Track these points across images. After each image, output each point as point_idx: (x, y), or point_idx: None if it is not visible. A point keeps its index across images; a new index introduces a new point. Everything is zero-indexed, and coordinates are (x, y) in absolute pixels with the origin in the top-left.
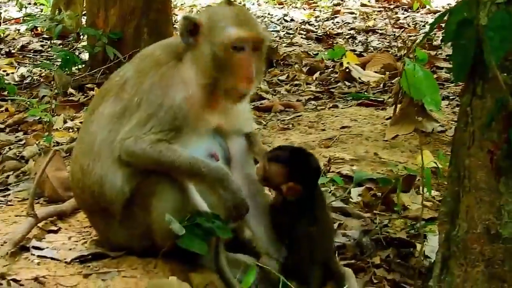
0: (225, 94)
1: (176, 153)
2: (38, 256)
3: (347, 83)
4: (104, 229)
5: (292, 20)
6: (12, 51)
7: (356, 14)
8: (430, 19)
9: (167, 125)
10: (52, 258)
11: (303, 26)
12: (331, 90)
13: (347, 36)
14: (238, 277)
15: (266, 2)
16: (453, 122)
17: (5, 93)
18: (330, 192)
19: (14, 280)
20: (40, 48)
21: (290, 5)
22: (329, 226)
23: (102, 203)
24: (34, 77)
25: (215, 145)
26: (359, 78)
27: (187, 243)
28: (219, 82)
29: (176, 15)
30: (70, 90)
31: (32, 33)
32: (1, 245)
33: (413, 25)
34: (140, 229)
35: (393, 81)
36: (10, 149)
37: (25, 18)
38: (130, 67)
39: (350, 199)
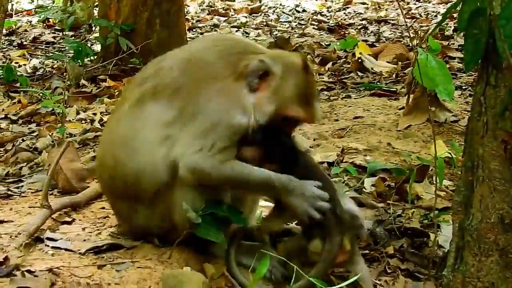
0: None
1: (247, 170)
2: (53, 247)
3: (359, 73)
4: (127, 212)
5: (304, 10)
6: (24, 42)
7: (368, 4)
8: (442, 9)
9: (228, 141)
10: (66, 249)
11: (315, 17)
12: (343, 80)
13: (359, 27)
14: (253, 265)
15: None
16: (466, 112)
17: (18, 84)
18: (343, 182)
19: (29, 271)
20: (52, 39)
21: None
22: (322, 174)
23: (133, 191)
24: (47, 69)
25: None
26: (372, 69)
27: (204, 232)
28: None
29: (188, 6)
30: (83, 81)
31: (44, 24)
32: (16, 236)
33: (425, 15)
34: (163, 212)
35: (405, 71)
36: (23, 140)
37: (37, 9)
38: (179, 70)
39: (364, 189)
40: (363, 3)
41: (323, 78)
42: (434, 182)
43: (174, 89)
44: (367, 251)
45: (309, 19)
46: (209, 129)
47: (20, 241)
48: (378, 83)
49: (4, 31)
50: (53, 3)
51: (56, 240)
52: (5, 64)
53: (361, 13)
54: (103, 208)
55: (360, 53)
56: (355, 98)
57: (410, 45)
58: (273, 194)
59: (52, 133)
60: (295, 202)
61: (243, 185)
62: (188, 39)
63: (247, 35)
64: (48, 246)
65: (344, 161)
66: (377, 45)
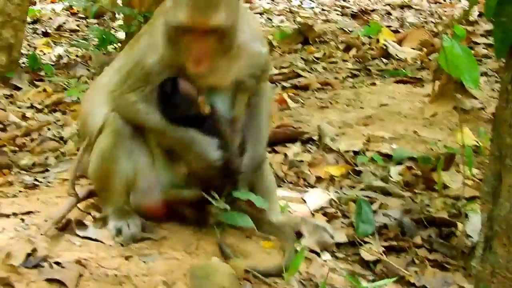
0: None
1: (146, 119)
2: (80, 238)
3: (384, 60)
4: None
5: None
6: (48, 31)
7: None
8: None
9: (142, 82)
10: (94, 240)
11: (338, 3)
12: (368, 67)
13: (382, 12)
14: None
15: None
16: (492, 99)
17: (42, 73)
18: (370, 171)
19: (57, 263)
20: (76, 27)
21: None
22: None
23: (83, 134)
24: (71, 57)
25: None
26: (396, 55)
27: (231, 219)
28: (175, 56)
29: None
30: None
31: (68, 12)
32: (43, 227)
33: (449, 0)
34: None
35: (430, 58)
36: (48, 129)
37: None
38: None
39: (390, 178)
40: None
41: (347, 65)
42: (461, 171)
43: (137, 36)
44: (395, 243)
45: (332, 5)
46: (129, 72)
47: (46, 230)
48: (403, 69)
49: (28, 19)
50: None
51: (83, 231)
52: (30, 52)
53: None
54: None
55: (385, 39)
56: (380, 86)
57: (435, 31)
58: (170, 145)
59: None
60: (190, 158)
61: (147, 129)
62: None
63: (270, 21)
64: (75, 237)
65: (369, 149)
66: (401, 31)
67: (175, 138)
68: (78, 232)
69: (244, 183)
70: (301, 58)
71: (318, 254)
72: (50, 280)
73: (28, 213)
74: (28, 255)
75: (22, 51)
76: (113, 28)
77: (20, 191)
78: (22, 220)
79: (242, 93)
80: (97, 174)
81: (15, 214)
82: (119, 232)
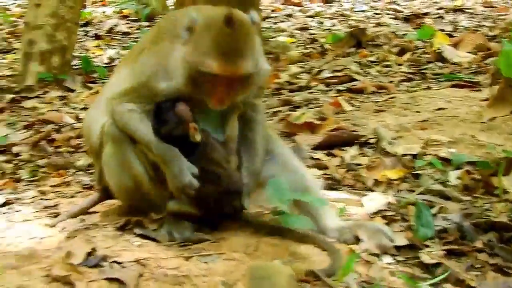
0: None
1: (137, 128)
2: (139, 238)
3: (438, 64)
4: (98, 170)
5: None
6: (100, 33)
7: None
8: None
9: (146, 100)
10: (152, 240)
11: (390, 6)
12: (422, 71)
13: (434, 16)
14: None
15: None
16: None
17: (95, 75)
18: (428, 175)
19: (116, 262)
20: (127, 30)
21: None
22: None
23: (88, 146)
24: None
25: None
26: (451, 59)
27: (290, 221)
28: (194, 92)
29: None
30: None
31: (119, 15)
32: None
33: (504, 4)
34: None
35: (486, 62)
36: None
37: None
38: (147, 34)
39: (449, 182)
40: None
41: (401, 68)
42: None
43: (137, 52)
44: (456, 247)
45: (384, 8)
46: (135, 88)
47: (56, 221)
48: (458, 74)
49: (80, 22)
50: None
51: (142, 231)
52: (83, 55)
53: (436, 2)
54: None
55: (439, 43)
56: (436, 89)
57: (490, 34)
58: (156, 160)
59: None
60: (170, 177)
61: (136, 141)
62: (262, 29)
63: (321, 24)
64: (134, 237)
65: (427, 153)
66: (454, 34)
67: (157, 152)
68: (136, 231)
69: (246, 196)
70: (354, 61)
71: (378, 257)
72: (110, 279)
73: (87, 212)
74: (88, 254)
75: (73, 53)
76: None
77: (78, 192)
78: (82, 220)
79: (234, 111)
80: (126, 190)
81: None
82: (171, 236)
